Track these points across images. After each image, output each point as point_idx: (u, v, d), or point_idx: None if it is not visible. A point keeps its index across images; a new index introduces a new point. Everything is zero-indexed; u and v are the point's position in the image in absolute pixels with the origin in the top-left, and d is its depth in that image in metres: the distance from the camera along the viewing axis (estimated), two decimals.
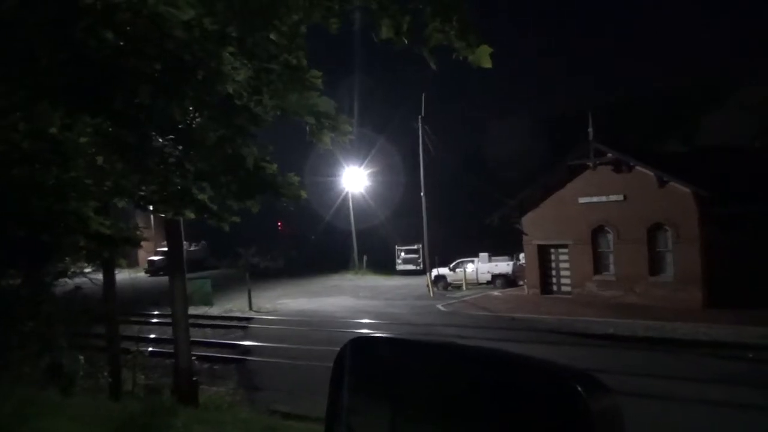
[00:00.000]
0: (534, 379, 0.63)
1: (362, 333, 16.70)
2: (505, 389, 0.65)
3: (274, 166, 5.82)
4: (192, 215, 6.39)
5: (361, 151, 41.88)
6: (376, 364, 0.83)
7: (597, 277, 23.93)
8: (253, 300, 26.63)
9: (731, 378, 11.75)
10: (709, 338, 15.58)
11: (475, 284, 31.37)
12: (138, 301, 25.71)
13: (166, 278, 12.94)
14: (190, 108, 4.36)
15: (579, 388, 0.57)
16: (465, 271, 31.84)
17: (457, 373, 0.72)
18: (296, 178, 6.11)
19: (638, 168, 22.28)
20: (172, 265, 12.09)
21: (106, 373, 11.94)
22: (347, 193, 46.04)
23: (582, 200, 23.95)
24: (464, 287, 31.02)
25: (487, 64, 3.70)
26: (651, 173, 21.78)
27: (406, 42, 3.63)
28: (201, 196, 6.02)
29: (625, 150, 23.31)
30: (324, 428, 0.87)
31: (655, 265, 22.21)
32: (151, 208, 7.79)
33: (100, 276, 11.84)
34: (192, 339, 12.68)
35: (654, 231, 22.17)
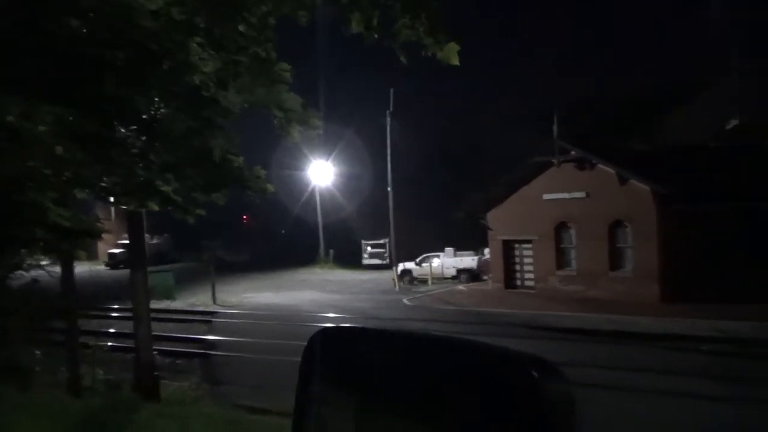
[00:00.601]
0: (493, 364, 0.66)
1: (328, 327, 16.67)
2: (467, 375, 0.68)
3: (241, 159, 5.75)
4: (156, 207, 6.27)
5: (329, 144, 41.70)
6: (344, 354, 0.85)
7: (560, 272, 24.43)
8: (218, 294, 26.30)
9: (685, 369, 12.19)
10: (665, 331, 16.09)
11: (441, 279, 31.66)
12: (98, 295, 25.11)
13: (127, 271, 12.68)
14: (156, 99, 4.27)
15: (534, 373, 0.60)
16: (431, 265, 32.10)
17: (421, 361, 0.74)
18: (263, 172, 6.05)
19: (600, 166, 22.81)
20: (133, 258, 11.86)
21: (64, 369, 11.65)
22: (314, 186, 45.81)
23: (546, 197, 24.39)
24: (430, 282, 31.27)
25: (455, 61, 3.74)
26: (612, 171, 22.33)
27: (375, 36, 3.64)
28: (165, 188, 5.92)
29: (588, 148, 23.83)
30: (292, 418, 0.89)
31: (616, 261, 22.81)
32: (112, 199, 7.61)
33: (58, 269, 11.51)
34: (154, 333, 12.46)
35: (615, 227, 22.75)
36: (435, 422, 0.71)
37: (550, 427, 0.60)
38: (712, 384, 10.90)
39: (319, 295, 28.39)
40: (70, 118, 4.97)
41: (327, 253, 44.52)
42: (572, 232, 24.15)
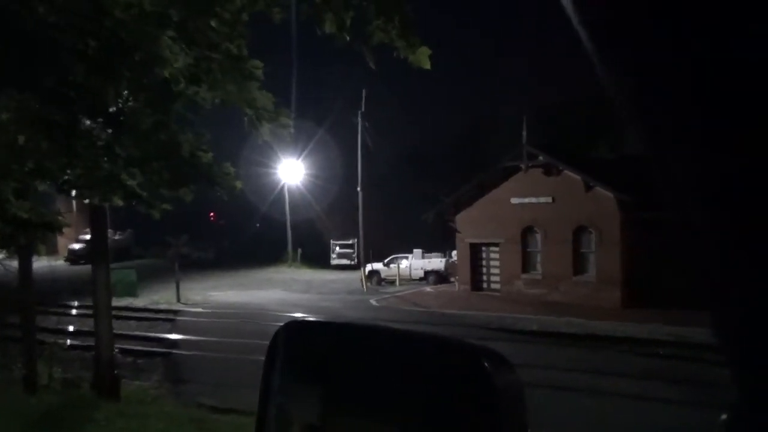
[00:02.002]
0: (447, 356, 0.70)
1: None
2: (422, 367, 0.71)
3: (210, 155, 5.69)
4: (120, 202, 6.14)
5: (299, 143, 41.44)
6: (308, 347, 0.87)
7: (525, 276, 24.81)
8: (182, 292, 25.87)
9: (643, 373, 12.53)
10: (625, 335, 16.51)
11: (409, 280, 31.78)
12: (57, 291, 24.45)
13: (87, 267, 12.39)
14: (125, 91, 4.20)
15: (485, 364, 0.64)
16: (399, 266, 32.20)
17: (380, 352, 0.77)
18: (232, 169, 6.00)
19: (567, 172, 23.26)
20: (95, 253, 11.59)
21: (20, 365, 11.31)
22: (284, 185, 45.48)
23: (514, 201, 24.74)
24: (398, 283, 31.37)
25: (426, 65, 3.79)
26: (578, 177, 22.79)
27: (348, 38, 3.65)
28: (130, 182, 5.81)
29: (556, 154, 24.28)
30: (256, 413, 0.90)
31: (579, 266, 23.29)
32: (74, 193, 7.42)
33: (15, 263, 11.18)
34: (115, 331, 12.20)
35: (579, 233, 23.22)
36: (393, 412, 0.74)
37: (500, 416, 0.63)
38: (666, 387, 11.23)
39: (285, 295, 28.19)
40: (36, 107, 4.84)
41: (295, 253, 44.25)
42: (538, 236, 24.55)
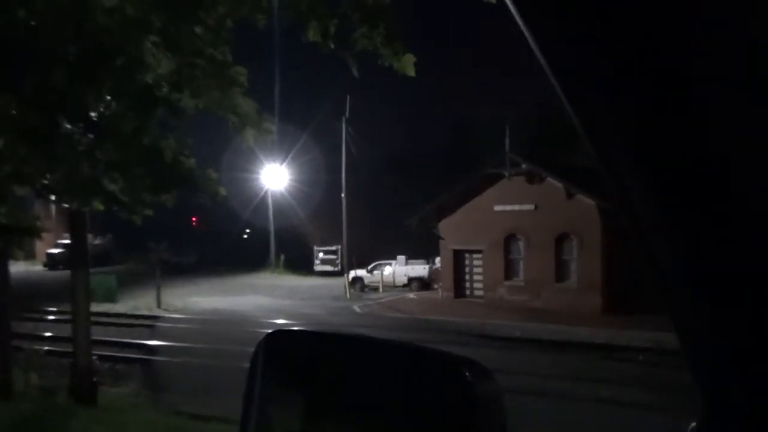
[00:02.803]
0: (427, 365, 0.71)
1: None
2: (402, 375, 0.72)
3: (192, 161, 5.65)
4: (101, 207, 6.08)
5: (283, 148, 41.32)
6: (292, 356, 0.88)
7: (508, 283, 24.95)
8: (163, 297, 25.58)
9: (622, 378, 12.66)
10: (605, 341, 16.66)
11: (392, 286, 31.78)
12: (34, 297, 24.03)
13: (66, 273, 12.21)
14: (107, 96, 4.17)
15: (466, 373, 0.65)
16: (382, 273, 32.20)
17: (361, 362, 0.79)
18: (215, 175, 5.97)
19: (549, 179, 23.48)
20: (74, 258, 11.42)
21: None
22: (267, 190, 45.29)
23: (497, 208, 24.90)
24: (381, 289, 31.35)
25: (411, 72, 3.82)
26: (560, 185, 23.02)
27: (332, 46, 3.67)
28: (112, 187, 5.75)
29: (538, 162, 24.51)
30: (240, 421, 0.91)
31: (561, 272, 23.50)
32: (53, 197, 7.33)
33: None
34: (93, 337, 12.01)
35: (561, 240, 23.44)
36: (373, 420, 0.75)
37: (480, 424, 0.65)
38: (645, 393, 11.36)
39: (268, 301, 28.01)
40: (13, 112, 4.78)
41: (278, 258, 44.02)
42: (521, 243, 24.72)
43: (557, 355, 15.58)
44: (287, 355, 0.85)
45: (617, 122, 0.51)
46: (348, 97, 32.90)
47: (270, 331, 0.88)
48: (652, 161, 0.50)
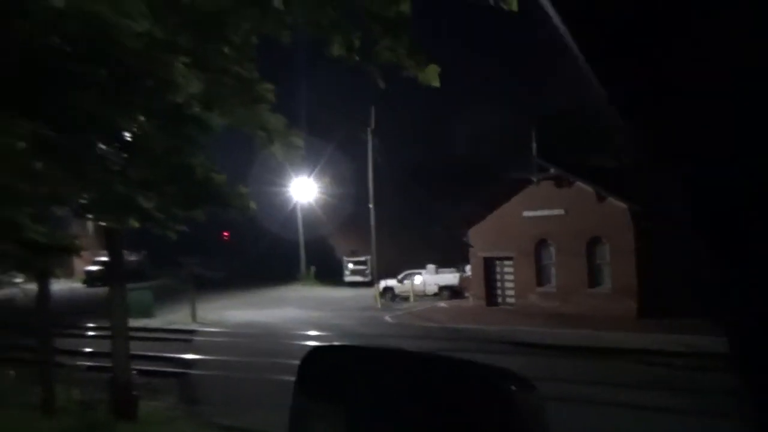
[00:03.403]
0: (472, 379, 0.72)
1: (309, 344, 16.57)
2: (445, 389, 0.73)
3: (223, 177, 5.76)
4: (136, 224, 6.23)
5: (310, 160, 41.67)
6: (334, 371, 0.90)
7: (539, 289, 24.62)
8: (197, 311, 25.95)
9: (661, 384, 12.35)
10: (641, 347, 16.30)
11: (423, 296, 31.65)
12: (74, 313, 24.63)
13: (103, 289, 12.50)
14: (141, 117, 4.29)
15: (511, 387, 0.66)
16: (412, 282, 32.09)
17: (405, 377, 0.79)
18: (245, 189, 6.07)
19: (578, 184, 23.16)
20: (111, 275, 11.71)
21: (37, 388, 11.39)
22: (296, 203, 45.68)
23: (526, 214, 24.65)
24: (411, 299, 31.24)
25: (436, 82, 3.83)
26: (590, 189, 22.69)
27: (357, 59, 3.71)
28: (146, 204, 5.89)
29: (566, 166, 24.20)
30: None
31: (594, 277, 23.08)
32: (90, 216, 7.54)
33: (33, 286, 11.32)
34: (131, 352, 12.26)
35: (593, 244, 23.05)
36: None
37: None
38: (684, 398, 11.08)
39: (300, 313, 28.17)
40: (49, 134, 4.95)
41: (308, 270, 44.27)
42: (551, 249, 24.40)
43: (592, 362, 15.28)
44: (329, 370, 0.87)
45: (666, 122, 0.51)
46: (372, 108, 33.04)
47: (312, 346, 0.90)
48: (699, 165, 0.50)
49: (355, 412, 0.82)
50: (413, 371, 0.79)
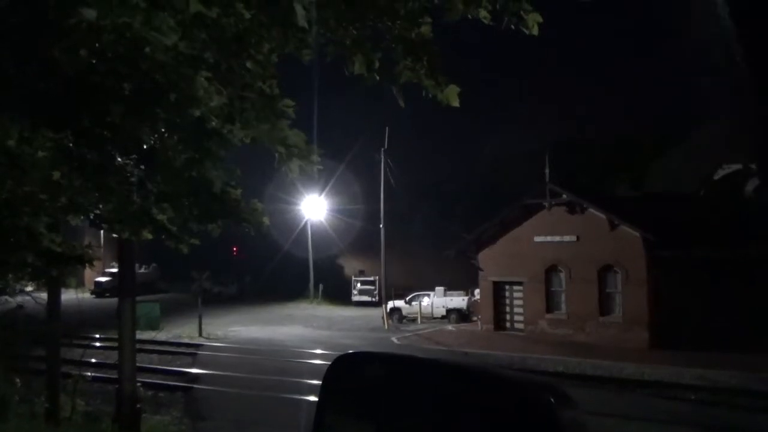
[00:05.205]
0: (511, 391, 0.70)
1: (316, 363, 16.47)
2: (485, 401, 0.71)
3: (239, 192, 5.79)
4: (150, 236, 6.25)
5: (321, 178, 41.86)
6: (360, 381, 0.88)
7: (549, 316, 24.37)
8: (204, 326, 25.95)
9: (674, 417, 12.09)
10: (653, 378, 16.02)
11: (430, 318, 31.45)
12: (83, 323, 24.67)
13: (112, 300, 12.52)
14: (162, 130, 4.34)
15: (551, 400, 0.64)
16: (420, 304, 31.93)
17: (438, 387, 0.78)
18: (260, 205, 6.08)
19: (591, 210, 23.04)
20: (122, 287, 11.72)
21: (43, 398, 11.36)
22: (307, 221, 45.81)
23: (537, 239, 24.52)
24: (419, 321, 31.05)
25: (455, 102, 3.84)
26: (603, 216, 22.55)
27: (377, 78, 3.74)
28: (160, 217, 5.92)
29: (579, 192, 24.12)
30: None
31: (605, 306, 22.82)
32: (106, 226, 7.58)
33: (43, 295, 11.35)
34: (137, 365, 12.23)
35: (605, 272, 22.83)
36: None
37: None
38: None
39: (307, 331, 28.08)
40: (70, 145, 5.01)
41: (316, 289, 44.22)
42: (562, 275, 24.20)
43: (603, 392, 15.02)
44: (356, 380, 0.85)
45: None
46: (386, 128, 33.26)
47: (339, 354, 0.88)
48: None
49: (385, 424, 0.80)
50: (448, 381, 0.77)
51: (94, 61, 3.74)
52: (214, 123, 3.86)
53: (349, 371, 0.85)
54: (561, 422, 0.60)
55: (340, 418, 0.82)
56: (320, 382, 0.94)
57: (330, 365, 0.84)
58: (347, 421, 0.82)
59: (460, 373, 0.77)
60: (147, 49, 3.05)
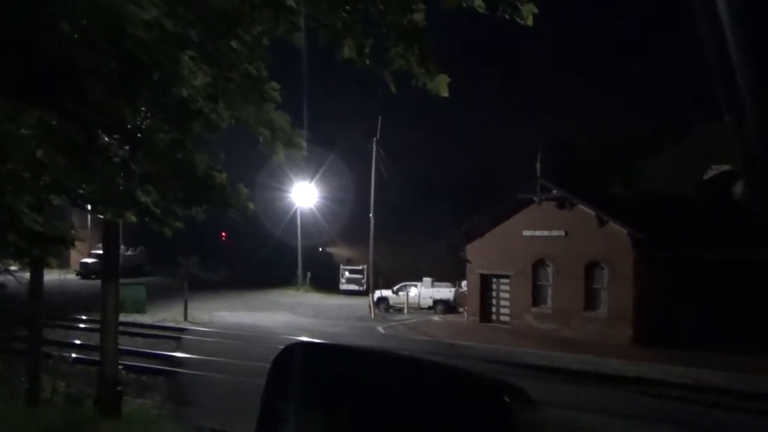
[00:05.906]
0: (466, 389, 0.66)
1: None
2: (437, 397, 0.67)
3: (224, 175, 5.72)
4: (133, 218, 6.17)
5: (312, 166, 41.63)
6: (314, 371, 0.82)
7: (535, 309, 24.50)
8: (190, 311, 25.85)
9: (656, 414, 12.21)
10: (636, 375, 16.15)
11: (417, 308, 31.55)
12: (66, 305, 24.50)
13: (97, 282, 12.41)
14: (143, 109, 4.25)
15: (507, 400, 0.60)
16: (407, 294, 32.00)
17: (393, 381, 0.73)
18: (245, 190, 6.02)
19: (580, 206, 23.12)
20: (106, 268, 11.60)
21: (23, 379, 11.25)
22: (296, 208, 45.65)
23: (526, 233, 24.59)
24: (406, 311, 31.14)
25: (444, 92, 3.79)
26: (592, 212, 22.64)
27: (367, 62, 3.68)
28: (144, 199, 5.84)
29: (569, 188, 24.18)
30: None
31: (591, 301, 22.97)
32: (89, 207, 7.47)
33: (26, 275, 11.21)
34: (120, 347, 12.14)
35: (591, 268, 22.96)
36: None
37: None
38: (680, 431, 10.94)
39: (293, 318, 28.05)
40: (53, 123, 4.90)
41: (304, 276, 44.18)
42: (549, 270, 24.31)
43: (587, 387, 15.13)
44: (310, 370, 0.80)
45: None
46: (379, 118, 33.13)
47: (289, 342, 0.83)
48: None
49: (335, 418, 0.76)
50: (404, 376, 0.73)
51: (76, 36, 3.65)
52: (199, 104, 3.79)
53: (300, 361, 0.81)
54: (517, 423, 0.56)
55: (291, 407, 0.78)
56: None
57: (277, 356, 0.79)
58: (299, 411, 0.77)
59: (415, 368, 0.72)
60: (128, 27, 2.97)
